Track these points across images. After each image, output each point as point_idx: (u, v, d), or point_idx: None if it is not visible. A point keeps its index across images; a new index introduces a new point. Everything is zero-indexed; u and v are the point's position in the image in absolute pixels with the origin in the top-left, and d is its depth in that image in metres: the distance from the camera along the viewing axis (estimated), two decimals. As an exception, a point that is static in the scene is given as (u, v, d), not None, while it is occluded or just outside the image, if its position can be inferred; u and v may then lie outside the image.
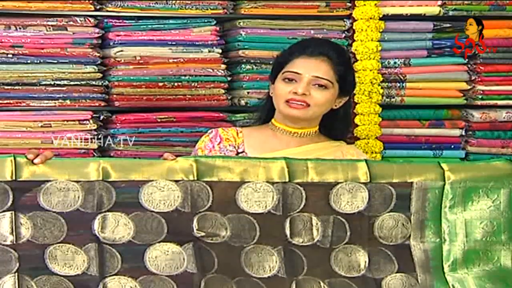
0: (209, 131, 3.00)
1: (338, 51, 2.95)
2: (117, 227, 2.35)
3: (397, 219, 2.48)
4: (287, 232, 2.43)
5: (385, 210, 2.48)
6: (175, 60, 3.82)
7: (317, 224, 2.44)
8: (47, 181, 2.32)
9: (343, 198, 2.46)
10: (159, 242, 2.36)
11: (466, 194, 2.50)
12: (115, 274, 2.32)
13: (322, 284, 2.42)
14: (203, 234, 2.37)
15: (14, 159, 2.32)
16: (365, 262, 2.45)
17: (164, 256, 2.35)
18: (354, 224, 2.46)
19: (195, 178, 2.39)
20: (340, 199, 2.46)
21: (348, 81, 2.93)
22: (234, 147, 2.92)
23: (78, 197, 2.33)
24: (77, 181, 2.34)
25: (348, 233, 2.45)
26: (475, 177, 2.51)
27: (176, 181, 2.39)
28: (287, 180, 2.44)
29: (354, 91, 3.02)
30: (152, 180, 2.37)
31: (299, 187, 2.45)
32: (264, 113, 3.02)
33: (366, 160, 2.53)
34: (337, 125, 3.00)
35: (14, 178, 2.30)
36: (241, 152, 2.92)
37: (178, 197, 2.38)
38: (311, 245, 2.44)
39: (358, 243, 2.46)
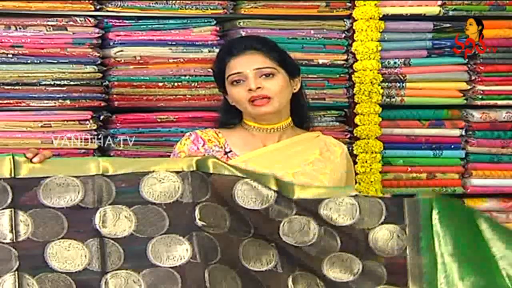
0: (188, 134, 2.96)
1: (261, 41, 2.95)
2: (118, 221, 2.33)
3: (392, 230, 2.45)
4: (281, 232, 2.40)
5: (378, 222, 2.44)
6: (175, 60, 3.82)
7: (314, 228, 2.42)
8: (46, 177, 2.31)
9: (333, 211, 2.43)
10: (161, 234, 2.34)
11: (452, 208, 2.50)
12: (118, 269, 2.31)
13: (318, 280, 2.41)
14: (205, 223, 2.36)
15: (13, 157, 2.31)
16: (358, 269, 2.42)
17: (166, 248, 2.34)
18: (347, 235, 2.43)
19: (195, 169, 2.39)
20: (331, 212, 2.43)
21: (288, 62, 2.93)
22: (220, 147, 2.89)
23: (78, 192, 2.32)
24: (76, 176, 2.32)
25: (340, 244, 2.42)
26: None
27: (177, 172, 2.38)
28: (278, 190, 2.42)
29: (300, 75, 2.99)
30: (152, 172, 2.36)
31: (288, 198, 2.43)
32: (234, 118, 2.98)
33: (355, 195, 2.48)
34: (303, 111, 2.99)
35: (13, 175, 2.29)
36: (229, 152, 2.90)
37: (178, 188, 2.37)
38: (304, 247, 2.41)
39: (352, 253, 2.43)
